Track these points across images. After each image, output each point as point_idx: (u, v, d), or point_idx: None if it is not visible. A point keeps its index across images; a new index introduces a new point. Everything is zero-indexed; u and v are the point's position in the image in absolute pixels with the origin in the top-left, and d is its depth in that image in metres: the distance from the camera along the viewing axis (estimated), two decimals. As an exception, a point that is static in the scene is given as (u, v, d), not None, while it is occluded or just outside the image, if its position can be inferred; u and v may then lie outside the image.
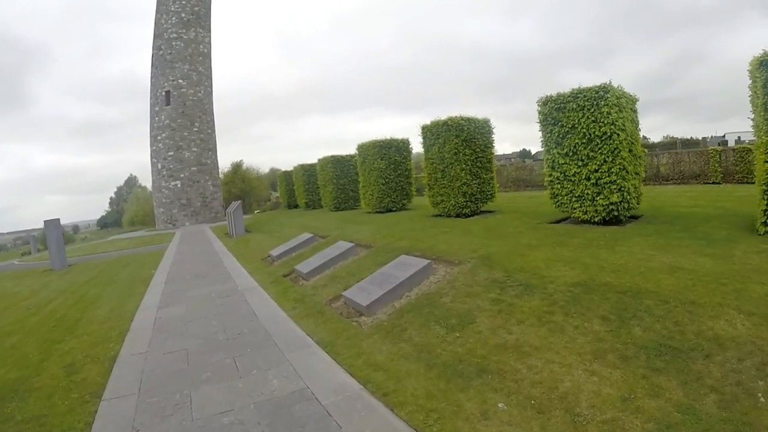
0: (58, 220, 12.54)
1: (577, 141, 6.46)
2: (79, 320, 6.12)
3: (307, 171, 19.89)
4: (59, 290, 8.73)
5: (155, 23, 26.15)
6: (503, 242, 6.23)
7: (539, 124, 7.15)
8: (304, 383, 3.53)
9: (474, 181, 9.10)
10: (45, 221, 12.36)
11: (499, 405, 2.84)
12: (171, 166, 25.41)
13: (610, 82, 6.33)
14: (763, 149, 4.81)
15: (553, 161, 6.93)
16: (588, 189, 6.43)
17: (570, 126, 6.54)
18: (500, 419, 2.71)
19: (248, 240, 14.06)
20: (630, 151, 6.37)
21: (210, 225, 23.64)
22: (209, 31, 27.18)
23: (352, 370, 3.68)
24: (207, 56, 26.93)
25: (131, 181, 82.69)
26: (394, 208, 12.77)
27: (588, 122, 6.28)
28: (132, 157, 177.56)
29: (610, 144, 6.12)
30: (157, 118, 25.75)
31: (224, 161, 46.47)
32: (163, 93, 25.40)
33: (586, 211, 6.53)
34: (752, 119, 5.11)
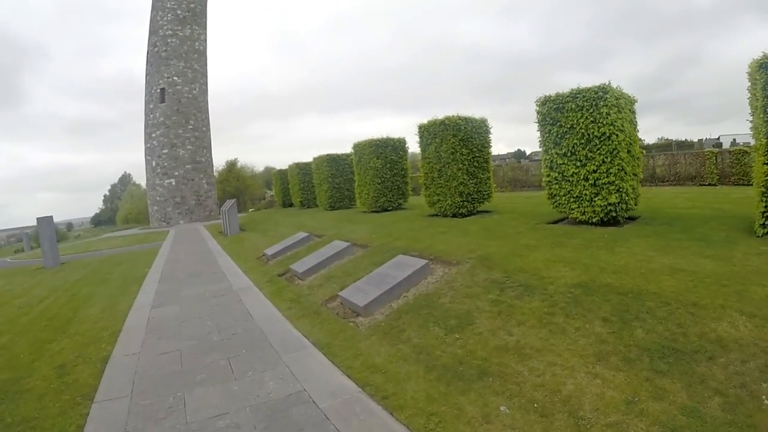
0: (51, 217, 12.38)
1: (575, 141, 6.44)
2: (71, 320, 6.02)
3: (302, 170, 19.78)
4: (51, 288, 8.60)
5: (151, 20, 25.91)
6: (501, 242, 6.19)
7: (537, 124, 7.12)
8: (300, 385, 3.46)
9: (471, 181, 9.06)
10: (38, 218, 12.18)
11: (501, 408, 2.79)
12: (165, 164, 25.19)
13: (609, 83, 6.32)
14: (762, 151, 4.79)
15: (552, 161, 6.90)
16: (586, 189, 6.41)
17: (569, 126, 6.51)
18: (503, 423, 2.66)
19: (243, 239, 13.95)
20: (628, 151, 6.35)
21: (204, 223, 23.48)
22: (205, 28, 26.97)
23: (350, 372, 3.62)
24: (202, 54, 26.73)
25: (125, 179, 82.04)
26: (390, 208, 12.72)
27: (587, 123, 6.25)
28: (126, 157, 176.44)
29: (609, 144, 6.10)
30: (151, 116, 25.52)
31: (219, 160, 46.23)
32: (158, 90, 25.17)
33: (584, 211, 6.51)
34: (751, 121, 5.09)
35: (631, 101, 6.76)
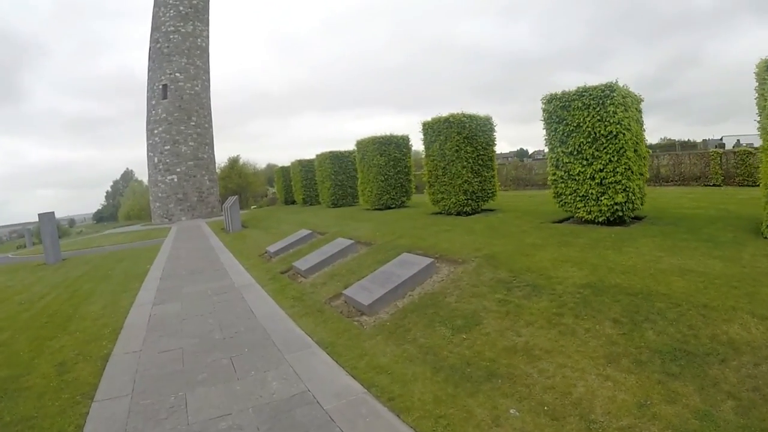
0: (53, 213, 12.34)
1: (582, 140, 6.36)
2: (71, 316, 5.97)
3: (304, 167, 19.73)
4: (52, 285, 8.56)
5: (153, 16, 25.82)
6: (507, 241, 6.12)
7: (543, 122, 7.04)
8: (304, 386, 3.41)
9: (475, 179, 9.00)
10: (39, 214, 12.14)
11: (511, 411, 2.73)
12: (167, 161, 25.13)
13: (616, 81, 6.24)
14: (769, 151, 4.72)
15: (558, 160, 6.83)
16: (592, 188, 6.34)
17: (575, 125, 6.44)
18: (513, 426, 2.60)
19: (245, 236, 13.91)
20: (635, 151, 6.28)
21: (206, 220, 23.43)
22: (207, 25, 26.88)
23: (355, 373, 3.56)
24: (205, 50, 26.64)
25: (128, 175, 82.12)
26: (393, 206, 12.65)
27: (593, 121, 6.18)
28: (126, 154, 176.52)
29: (616, 143, 6.03)
30: (153, 112, 25.45)
31: (221, 157, 46.22)
32: (160, 87, 25.08)
33: (590, 210, 6.44)
34: (758, 121, 5.01)
35: (638, 100, 6.69)
